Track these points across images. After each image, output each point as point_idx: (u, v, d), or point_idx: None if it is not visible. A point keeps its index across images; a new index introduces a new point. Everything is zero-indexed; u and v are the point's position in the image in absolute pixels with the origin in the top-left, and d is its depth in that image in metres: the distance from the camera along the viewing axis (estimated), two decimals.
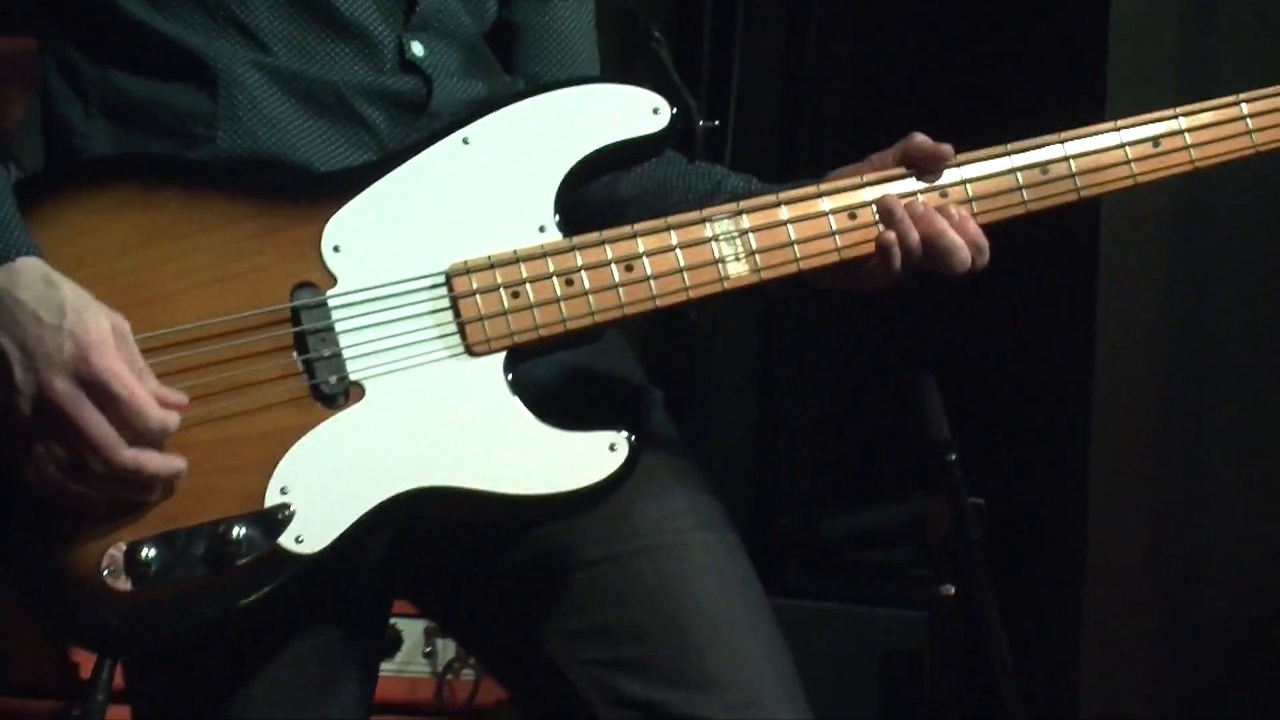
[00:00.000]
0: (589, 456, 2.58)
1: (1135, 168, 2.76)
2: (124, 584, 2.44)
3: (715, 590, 2.71)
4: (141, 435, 2.42)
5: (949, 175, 2.72)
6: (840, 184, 2.71)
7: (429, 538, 2.69)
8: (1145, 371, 5.61)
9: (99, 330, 2.43)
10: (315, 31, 2.71)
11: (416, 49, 2.75)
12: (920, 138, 2.73)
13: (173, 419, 2.44)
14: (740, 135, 6.23)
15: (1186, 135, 2.77)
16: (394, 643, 4.78)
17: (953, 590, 4.02)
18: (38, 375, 2.41)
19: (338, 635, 2.68)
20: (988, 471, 4.32)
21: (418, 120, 2.72)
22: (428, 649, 4.97)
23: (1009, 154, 2.73)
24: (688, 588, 2.69)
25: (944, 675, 4.04)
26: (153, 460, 2.44)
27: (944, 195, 2.71)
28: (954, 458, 3.93)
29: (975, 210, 2.70)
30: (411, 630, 4.90)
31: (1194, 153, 2.78)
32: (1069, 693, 5.49)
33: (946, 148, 2.72)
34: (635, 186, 2.86)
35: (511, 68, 2.92)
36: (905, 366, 4.08)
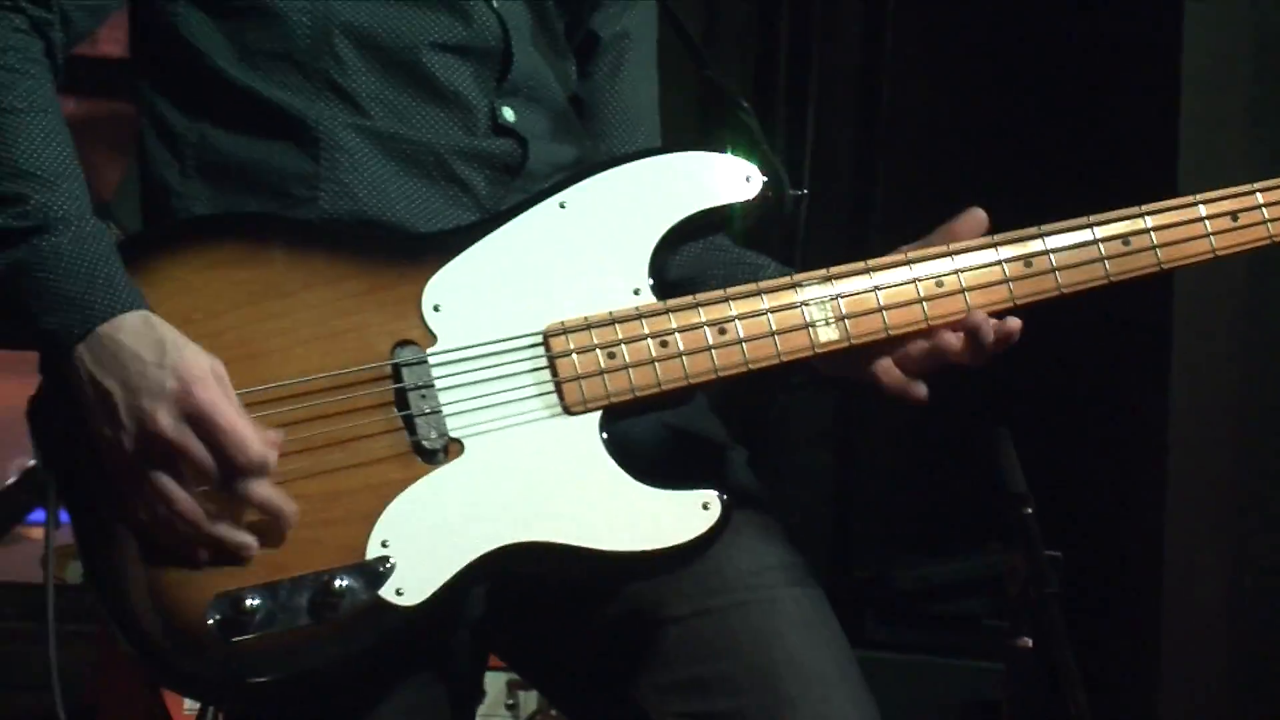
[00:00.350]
0: (683, 514, 2.61)
1: (1215, 241, 2.77)
2: (228, 632, 2.46)
3: (806, 644, 2.73)
4: (243, 468, 2.45)
5: (1033, 245, 2.73)
6: (927, 252, 2.73)
7: (523, 595, 2.72)
8: (1220, 422, 5.59)
9: (199, 366, 2.47)
10: (411, 96, 2.75)
11: (508, 114, 2.79)
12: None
13: (273, 454, 2.47)
14: (814, 206, 6.26)
15: (1264, 210, 2.79)
16: (479, 694, 4.81)
17: (1030, 642, 4.01)
18: (142, 410, 2.45)
19: (439, 690, 2.72)
20: (1064, 524, 4.32)
21: (515, 181, 2.76)
22: (510, 701, 5.00)
23: (1090, 225, 2.74)
24: (780, 641, 2.72)
25: None
26: (260, 489, 2.47)
27: (1028, 265, 2.73)
28: (1031, 511, 3.93)
29: (1059, 281, 2.72)
30: (495, 682, 4.93)
31: (1271, 227, 2.79)
32: None
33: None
34: (679, 271, 2.87)
35: None
36: (981, 421, 4.08)
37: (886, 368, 2.72)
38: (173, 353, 2.48)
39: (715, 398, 2.86)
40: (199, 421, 2.45)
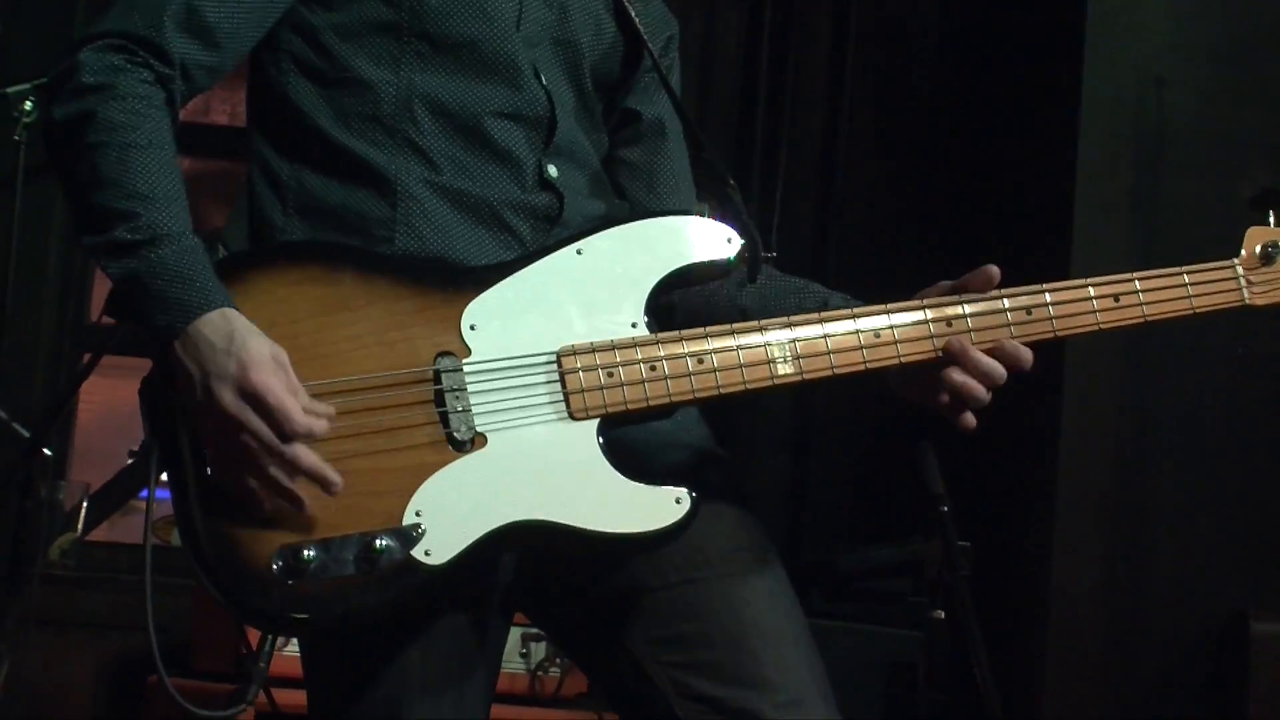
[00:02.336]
0: (660, 506, 2.61)
1: (1100, 317, 2.76)
2: (289, 576, 2.48)
3: (769, 611, 2.72)
4: (290, 436, 2.46)
5: (953, 310, 2.73)
6: (869, 309, 2.74)
7: (544, 565, 2.73)
8: (1101, 441, 5.59)
9: (259, 353, 2.48)
10: (474, 154, 2.75)
11: (552, 170, 2.79)
12: (942, 284, 2.76)
13: (319, 424, 2.49)
14: (779, 264, 6.27)
15: (1140, 295, 2.79)
16: None
17: (943, 614, 3.98)
18: (210, 390, 2.47)
19: (475, 637, 2.71)
20: (974, 519, 4.30)
21: (553, 229, 2.77)
22: (523, 650, 4.98)
23: (1001, 297, 2.74)
24: (748, 608, 2.70)
25: (935, 683, 4.01)
26: (306, 456, 2.48)
27: (949, 324, 2.72)
28: (947, 509, 3.90)
29: (974, 340, 2.71)
30: (510, 634, 4.88)
31: (1146, 309, 2.79)
32: (1036, 697, 5.45)
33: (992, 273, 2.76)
34: (754, 300, 2.89)
35: (622, 192, 2.96)
36: (910, 436, 4.05)
37: (942, 398, 2.73)
38: (238, 341, 2.48)
39: (706, 412, 2.87)
40: (253, 399, 2.46)
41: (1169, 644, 5.49)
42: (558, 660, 4.95)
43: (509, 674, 4.91)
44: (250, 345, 2.48)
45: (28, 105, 5.45)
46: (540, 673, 4.97)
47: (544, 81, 2.81)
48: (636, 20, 2.95)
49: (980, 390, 2.71)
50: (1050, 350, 5.34)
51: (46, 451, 5.30)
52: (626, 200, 2.96)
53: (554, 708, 4.99)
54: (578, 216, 2.80)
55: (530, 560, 2.73)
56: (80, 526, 5.82)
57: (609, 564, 2.73)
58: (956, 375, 2.71)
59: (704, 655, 2.70)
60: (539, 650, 4.97)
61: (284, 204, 2.75)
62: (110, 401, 6.81)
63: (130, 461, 5.38)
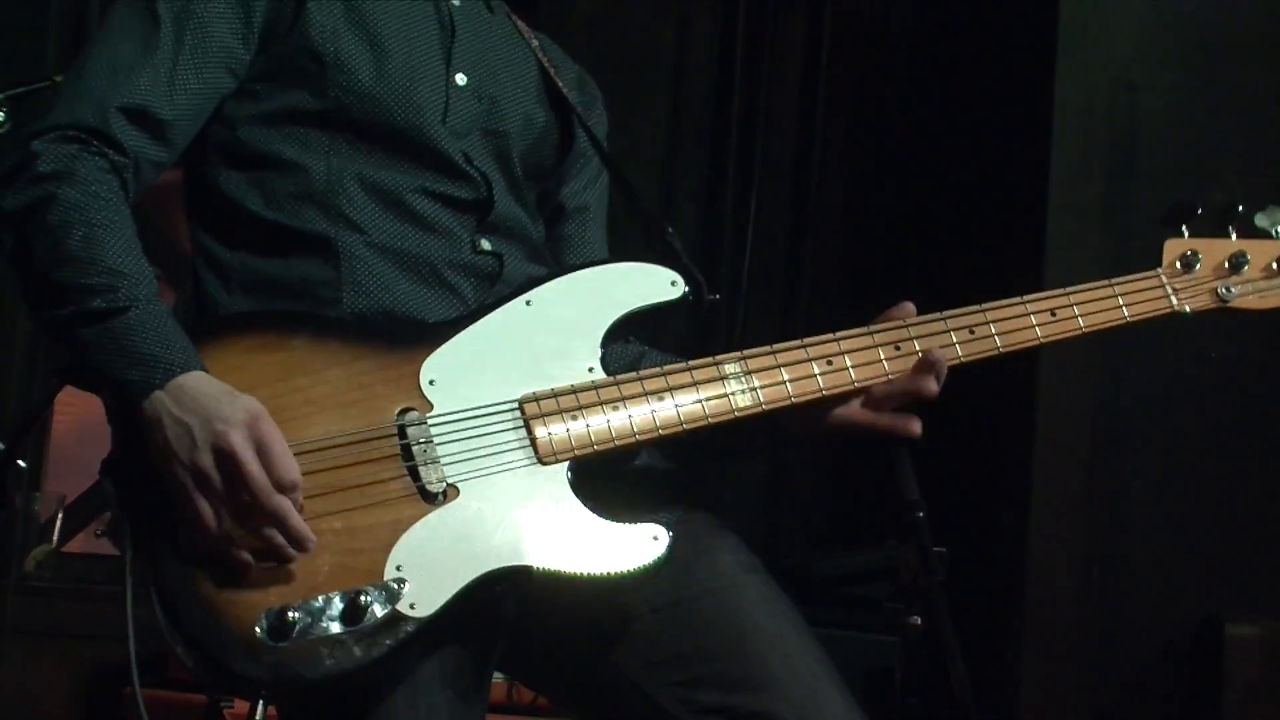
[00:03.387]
0: (637, 544, 2.64)
1: (1039, 331, 2.89)
2: (275, 639, 2.47)
3: (766, 615, 2.76)
4: (288, 487, 2.47)
5: (901, 334, 2.82)
6: (821, 338, 2.81)
7: (532, 617, 2.72)
8: (1075, 447, 5.60)
9: (259, 405, 2.50)
10: (408, 226, 2.80)
11: (486, 245, 2.86)
12: (899, 309, 2.84)
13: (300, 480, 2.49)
14: (756, 247, 6.29)
15: (1075, 309, 2.91)
16: None
17: (919, 620, 3.99)
18: (217, 432, 2.47)
19: (465, 683, 2.69)
20: (951, 526, 4.30)
21: (494, 287, 2.82)
22: None
23: (944, 319, 2.85)
24: (746, 615, 2.74)
25: (912, 687, 4.02)
26: (292, 512, 2.48)
27: (897, 349, 2.82)
28: (923, 514, 3.91)
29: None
30: None
31: (1082, 321, 2.91)
32: (1012, 701, 5.46)
33: (908, 309, 2.84)
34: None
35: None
36: (885, 441, 4.06)
37: (864, 415, 2.84)
38: (240, 396, 2.51)
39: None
40: (259, 444, 2.47)
41: (1144, 647, 5.51)
42: None
43: None
44: (252, 400, 2.51)
45: (0, 115, 5.42)
46: (518, 681, 4.96)
47: (477, 166, 2.86)
48: (565, 93, 3.03)
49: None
50: (1024, 357, 5.37)
51: (21, 463, 5.28)
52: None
53: (531, 716, 4.98)
54: (518, 275, 2.84)
55: (523, 609, 2.72)
56: (56, 537, 5.80)
57: (598, 603, 2.74)
58: (929, 384, 2.80)
59: (709, 668, 2.72)
60: None
61: (227, 285, 2.78)
62: (85, 412, 6.78)
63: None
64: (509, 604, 2.70)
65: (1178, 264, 3.01)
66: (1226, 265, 3.03)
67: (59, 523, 5.84)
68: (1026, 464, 5.55)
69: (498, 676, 4.87)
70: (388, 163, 2.81)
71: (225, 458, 2.46)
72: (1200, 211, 3.05)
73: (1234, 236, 3.06)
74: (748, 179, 6.47)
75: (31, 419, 5.22)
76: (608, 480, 2.73)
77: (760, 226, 6.40)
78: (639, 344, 3.00)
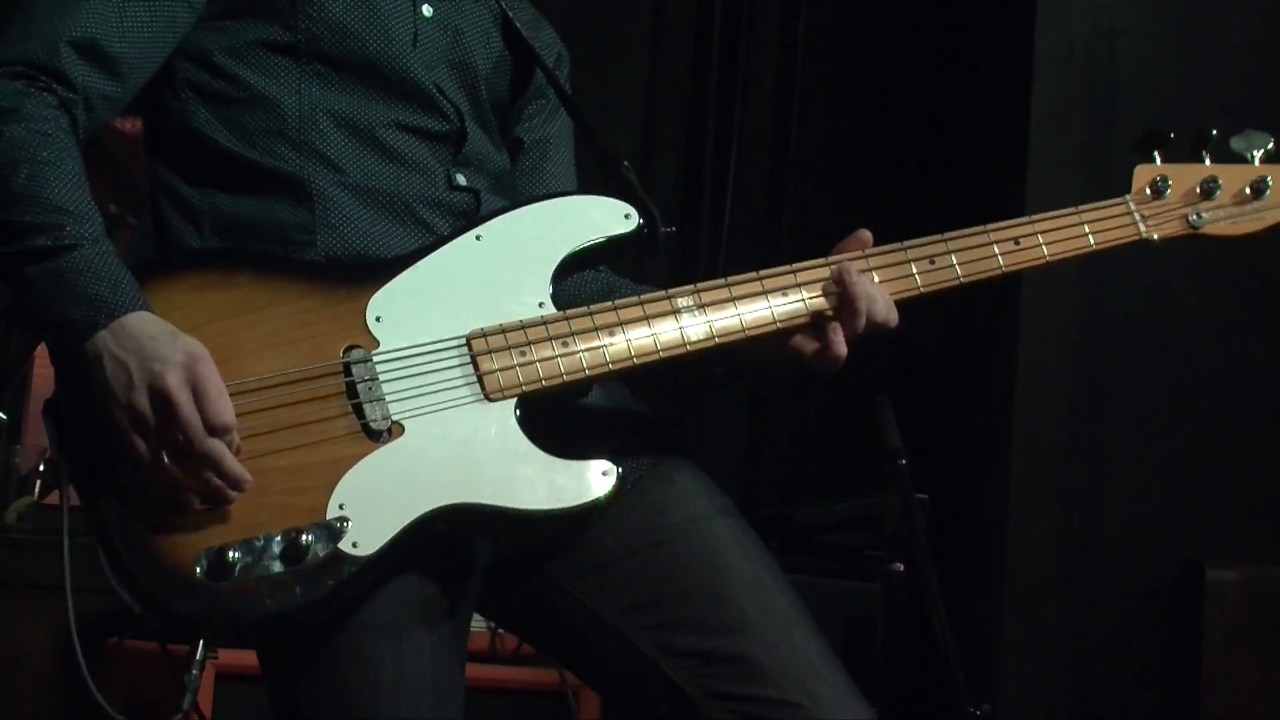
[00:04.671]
0: (585, 480, 2.60)
1: (1002, 260, 2.83)
2: (215, 579, 2.46)
3: (741, 557, 2.74)
4: (222, 429, 2.46)
5: (859, 264, 2.78)
6: (774, 271, 2.76)
7: (507, 561, 2.72)
8: (1055, 391, 5.60)
9: (201, 348, 2.49)
10: (382, 162, 2.77)
11: (461, 179, 2.82)
12: (854, 238, 2.81)
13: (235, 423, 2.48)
14: (737, 194, 6.29)
15: (1040, 236, 2.86)
16: None
17: (901, 567, 3.99)
18: (154, 372, 2.45)
19: (446, 630, 2.69)
20: (932, 473, 4.31)
21: (470, 225, 2.76)
22: None
23: (904, 249, 2.81)
24: (720, 558, 2.72)
25: (894, 635, 4.02)
26: (225, 454, 2.47)
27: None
28: (904, 462, 3.92)
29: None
30: None
31: (1047, 249, 2.86)
32: (994, 647, 5.47)
33: (865, 238, 2.82)
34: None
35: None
36: (867, 389, 4.06)
37: (810, 345, 2.76)
38: (181, 337, 2.49)
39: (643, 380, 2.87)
40: (196, 385, 2.46)
41: (1125, 593, 5.52)
42: None
43: (471, 633, 4.90)
44: (191, 341, 2.49)
45: None
46: (500, 631, 4.97)
47: (449, 98, 2.83)
48: (523, 32, 2.98)
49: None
50: (1004, 303, 5.37)
51: (1, 416, 5.27)
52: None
53: (515, 665, 4.99)
54: (492, 211, 2.78)
55: (499, 553, 2.71)
56: (37, 490, 5.79)
57: (572, 547, 2.73)
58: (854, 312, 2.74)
59: (684, 611, 2.70)
60: None
61: (199, 228, 2.74)
62: None
63: None
64: (485, 548, 2.70)
65: (1147, 190, 2.94)
66: (1198, 191, 2.95)
67: (40, 475, 5.83)
68: (1007, 411, 5.55)
69: (481, 625, 4.94)
70: (360, 96, 2.78)
71: (161, 399, 2.45)
72: (1173, 136, 2.97)
73: (1208, 162, 2.98)
74: (728, 128, 6.45)
75: (11, 372, 5.21)
76: (579, 424, 2.72)
77: (740, 175, 6.38)
78: (610, 273, 2.96)
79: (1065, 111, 5.64)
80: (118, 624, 5.13)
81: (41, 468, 5.75)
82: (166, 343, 2.47)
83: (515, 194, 2.93)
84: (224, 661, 4.63)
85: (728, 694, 2.66)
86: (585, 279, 2.88)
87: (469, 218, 2.77)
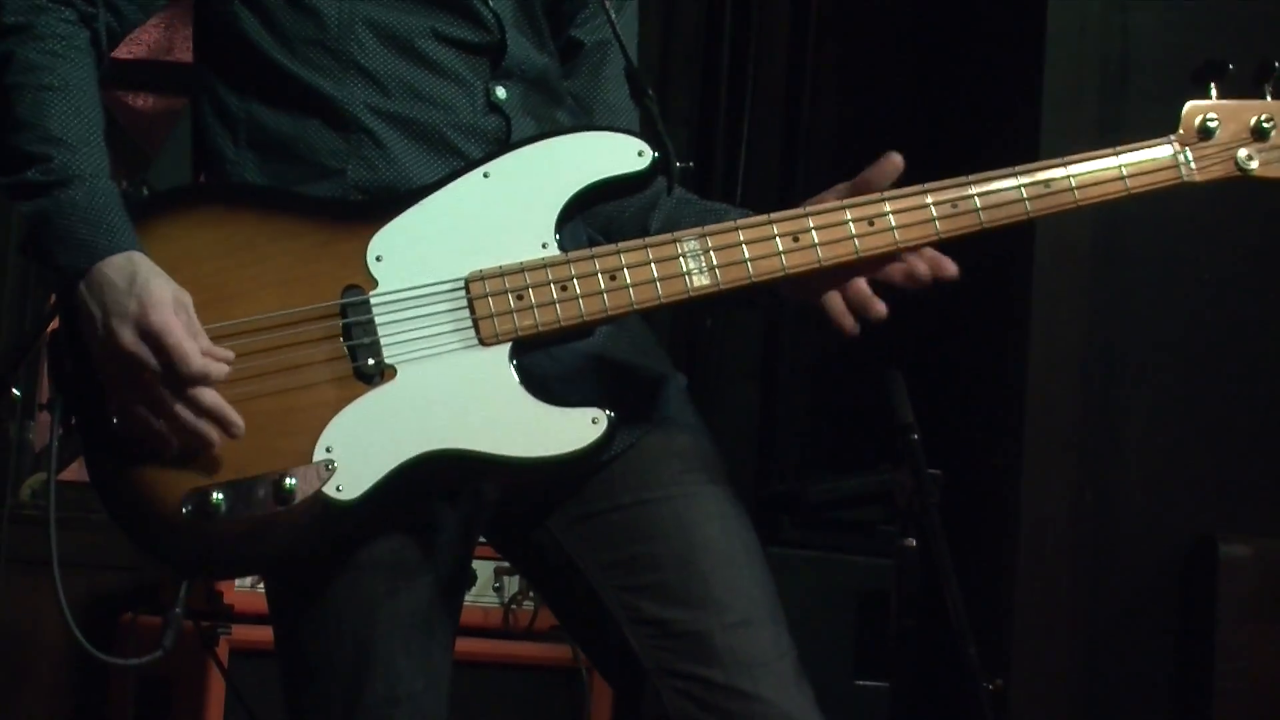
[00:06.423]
0: (576, 428, 2.55)
1: (1030, 205, 2.68)
2: (199, 520, 2.46)
3: (720, 532, 2.68)
4: (186, 378, 2.44)
5: (874, 209, 2.65)
6: (787, 214, 2.66)
7: (511, 499, 2.69)
8: (1069, 367, 5.59)
9: (161, 293, 2.45)
10: (420, 75, 2.69)
11: (500, 93, 2.73)
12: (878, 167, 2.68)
13: (217, 368, 2.46)
14: (749, 171, 6.26)
15: (1073, 179, 2.70)
16: (471, 579, 4.77)
17: (914, 542, 3.99)
18: (110, 329, 2.44)
19: (446, 573, 2.68)
20: (944, 448, 4.31)
21: (503, 152, 2.69)
22: (496, 584, 4.97)
23: (926, 192, 2.66)
24: (700, 529, 2.67)
25: (906, 609, 4.03)
26: (206, 396, 2.46)
27: (871, 224, 2.65)
28: (917, 437, 3.91)
29: (896, 238, 2.65)
30: (484, 569, 4.91)
31: (1078, 194, 2.70)
32: (1006, 622, 5.47)
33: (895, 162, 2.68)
34: (660, 222, 2.82)
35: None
36: (880, 364, 4.06)
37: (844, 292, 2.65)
38: (140, 281, 2.46)
39: (664, 335, 2.82)
40: (153, 339, 2.43)
41: (1138, 568, 5.51)
42: (531, 594, 4.95)
43: (482, 608, 4.92)
44: (152, 286, 2.45)
45: None
46: (514, 606, 4.97)
47: (490, 6, 2.74)
48: None
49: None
50: (1018, 275, 5.36)
51: (15, 392, 5.27)
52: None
53: (528, 640, 4.99)
54: (524, 139, 2.71)
55: (502, 496, 2.68)
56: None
57: (567, 495, 2.69)
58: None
59: (652, 577, 2.65)
60: (512, 584, 4.97)
61: (235, 136, 2.69)
62: None
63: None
64: (490, 490, 2.67)
65: (1195, 128, 2.75)
66: (1250, 131, 2.77)
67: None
68: (1020, 385, 5.53)
69: (494, 601, 4.94)
70: (398, 3, 2.70)
71: (121, 356, 2.44)
72: (1231, 68, 2.79)
73: (1269, 98, 2.79)
74: (740, 102, 6.42)
75: (25, 348, 5.20)
76: (585, 370, 2.69)
77: (753, 149, 6.36)
78: (683, 192, 2.86)
79: (1078, 87, 5.62)
80: (131, 600, 5.14)
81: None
82: (124, 291, 2.45)
83: (561, 99, 2.86)
84: (239, 637, 4.63)
85: (678, 671, 2.62)
86: (663, 203, 2.81)
87: (501, 145, 2.70)
